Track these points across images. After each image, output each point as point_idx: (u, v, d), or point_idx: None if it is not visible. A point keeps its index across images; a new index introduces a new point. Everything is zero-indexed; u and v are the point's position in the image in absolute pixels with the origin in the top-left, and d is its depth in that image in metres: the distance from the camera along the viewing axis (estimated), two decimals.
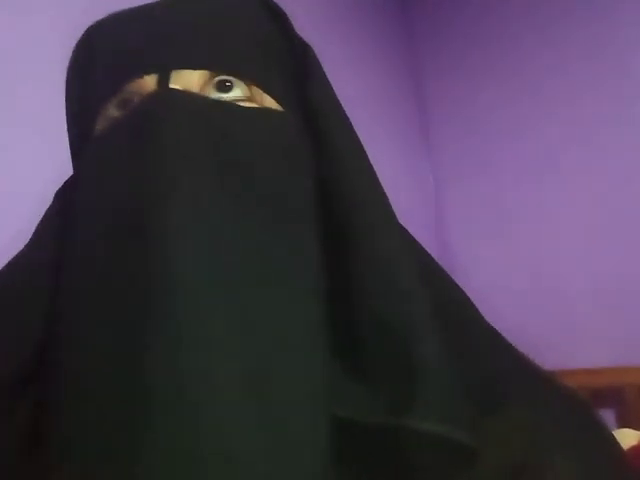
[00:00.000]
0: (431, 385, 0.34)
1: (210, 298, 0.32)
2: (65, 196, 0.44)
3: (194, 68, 0.39)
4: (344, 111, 0.44)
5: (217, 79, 0.39)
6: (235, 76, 0.40)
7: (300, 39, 0.46)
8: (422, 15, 2.02)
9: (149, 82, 0.39)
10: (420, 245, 0.45)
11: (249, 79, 0.40)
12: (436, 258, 0.45)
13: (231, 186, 0.36)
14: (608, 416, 1.48)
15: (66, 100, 0.46)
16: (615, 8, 1.69)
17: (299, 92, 0.43)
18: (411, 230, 0.45)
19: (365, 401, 0.34)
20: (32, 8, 0.94)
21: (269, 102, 0.41)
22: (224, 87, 0.39)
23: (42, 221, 0.44)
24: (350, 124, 0.44)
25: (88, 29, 0.46)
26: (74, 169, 0.45)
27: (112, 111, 0.40)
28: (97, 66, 0.43)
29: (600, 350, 1.62)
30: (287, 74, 0.44)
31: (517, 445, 0.36)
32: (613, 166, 1.67)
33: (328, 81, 0.45)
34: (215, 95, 0.39)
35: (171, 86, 0.38)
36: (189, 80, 0.39)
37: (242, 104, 0.40)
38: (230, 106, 0.39)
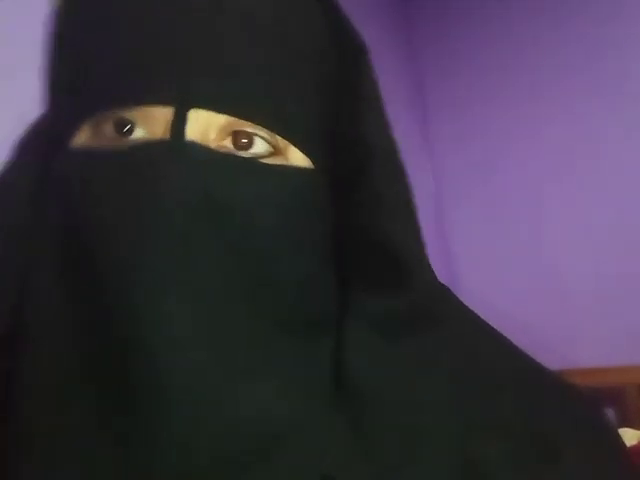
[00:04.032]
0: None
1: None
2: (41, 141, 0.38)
3: (218, 111, 0.32)
4: (398, 152, 0.40)
5: (235, 131, 0.33)
6: (263, 126, 0.33)
7: (354, 43, 0.39)
8: (423, 18, 2.02)
9: (160, 115, 0.32)
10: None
11: (278, 133, 0.34)
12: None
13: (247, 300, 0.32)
14: (608, 416, 1.48)
15: (56, 27, 0.37)
16: (615, 10, 1.69)
17: (342, 126, 0.37)
18: None
19: (352, 465, 0.33)
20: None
21: (294, 153, 0.35)
22: (243, 145, 0.33)
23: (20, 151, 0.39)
24: (402, 169, 0.40)
25: None
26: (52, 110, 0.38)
27: (109, 129, 0.33)
28: (104, 32, 0.34)
29: (600, 350, 1.62)
30: (328, 103, 0.37)
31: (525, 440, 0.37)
32: (614, 167, 1.67)
33: (381, 106, 0.39)
34: (231, 146, 0.33)
35: (187, 136, 0.32)
36: (208, 123, 0.33)
37: (264, 161, 0.34)
38: (251, 170, 0.33)
